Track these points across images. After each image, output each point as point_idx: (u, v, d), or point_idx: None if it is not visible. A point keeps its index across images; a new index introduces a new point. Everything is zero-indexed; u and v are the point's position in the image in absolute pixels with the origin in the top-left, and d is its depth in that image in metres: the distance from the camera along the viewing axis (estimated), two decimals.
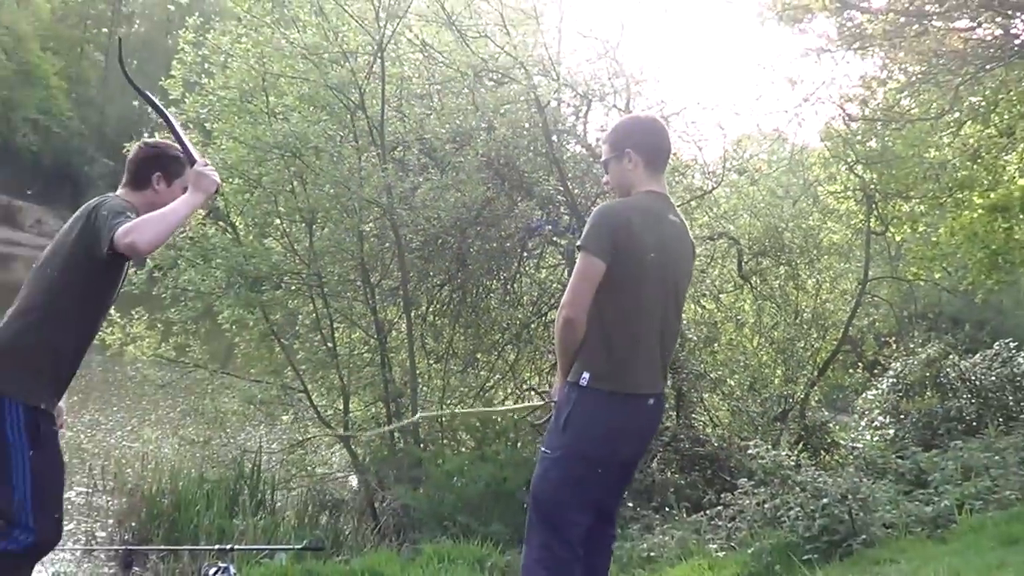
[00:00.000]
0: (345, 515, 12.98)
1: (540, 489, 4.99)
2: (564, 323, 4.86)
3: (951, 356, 14.00)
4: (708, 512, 10.20)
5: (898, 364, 14.61)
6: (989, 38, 13.35)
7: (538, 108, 13.14)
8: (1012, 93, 14.34)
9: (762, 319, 16.26)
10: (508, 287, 14.28)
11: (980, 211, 16.50)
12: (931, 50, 13.27)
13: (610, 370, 4.84)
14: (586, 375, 4.82)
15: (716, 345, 15.14)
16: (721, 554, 8.69)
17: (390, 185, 12.13)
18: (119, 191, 4.95)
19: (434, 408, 13.66)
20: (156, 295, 13.62)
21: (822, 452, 14.16)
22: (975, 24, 13.28)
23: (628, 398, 4.92)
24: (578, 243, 4.93)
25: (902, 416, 13.53)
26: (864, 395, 15.91)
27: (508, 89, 13.59)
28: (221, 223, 13.91)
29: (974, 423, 12.42)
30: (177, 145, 4.96)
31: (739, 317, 16.05)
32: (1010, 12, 12.61)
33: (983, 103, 14.89)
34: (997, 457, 9.52)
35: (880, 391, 14.74)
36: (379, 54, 12.89)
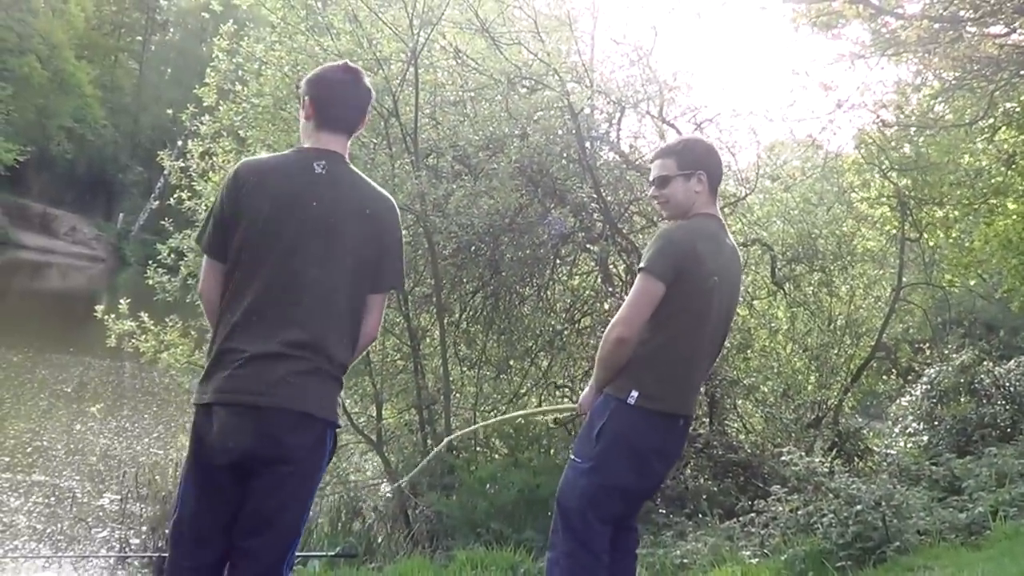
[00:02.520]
0: (378, 522, 12.99)
1: (567, 498, 5.04)
2: (616, 341, 4.90)
3: (985, 362, 13.93)
4: (741, 519, 10.17)
5: (932, 370, 14.54)
6: None
7: (571, 115, 13.14)
8: None
9: (795, 326, 16.20)
10: (541, 294, 14.27)
11: (1015, 217, 16.44)
12: (965, 56, 13.24)
13: (659, 390, 4.91)
14: (635, 393, 4.87)
15: (749, 352, 15.07)
16: (754, 561, 8.68)
17: (423, 192, 12.12)
18: (324, 140, 4.36)
19: (467, 414, 13.68)
20: (190, 303, 13.66)
21: (856, 459, 14.09)
22: (1010, 30, 13.25)
23: (667, 418, 4.97)
24: (641, 264, 4.97)
25: (936, 422, 13.47)
26: (898, 401, 15.84)
27: (541, 96, 13.59)
28: None
29: (1008, 429, 12.37)
30: None
31: (772, 324, 15.99)
32: None
33: (1018, 109, 14.85)
34: None
35: (914, 397, 14.67)
36: (413, 61, 12.89)
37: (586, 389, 5.27)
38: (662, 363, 4.92)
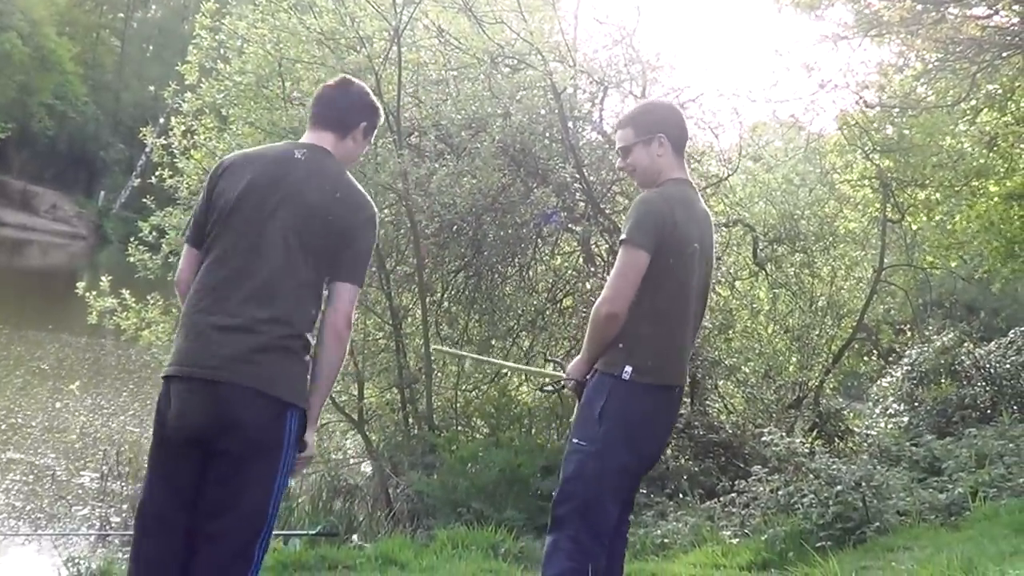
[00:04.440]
0: (359, 501, 12.98)
1: (577, 483, 4.88)
2: (607, 318, 4.80)
3: (966, 344, 13.97)
4: (722, 499, 10.23)
5: (913, 352, 14.57)
6: (1006, 25, 13.33)
7: (554, 94, 13.12)
8: None
9: (777, 306, 16.24)
10: (523, 274, 14.25)
11: (996, 199, 16.47)
12: (948, 37, 13.25)
13: (652, 363, 4.81)
14: (628, 368, 4.77)
15: (731, 332, 15.09)
16: (734, 541, 8.72)
17: (406, 171, 12.08)
18: (310, 137, 4.55)
19: (449, 393, 13.70)
20: (171, 280, 13.61)
21: (836, 439, 14.15)
22: (992, 11, 13.27)
23: (664, 389, 4.92)
24: (622, 237, 4.87)
25: (916, 404, 13.52)
26: (879, 382, 15.89)
27: (524, 75, 13.56)
28: None
29: (988, 411, 12.41)
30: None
31: (754, 304, 16.02)
32: None
33: (1000, 91, 14.88)
34: (1011, 445, 9.55)
35: (895, 379, 14.72)
36: (395, 40, 12.86)
37: (576, 359, 5.12)
38: (651, 335, 4.82)
